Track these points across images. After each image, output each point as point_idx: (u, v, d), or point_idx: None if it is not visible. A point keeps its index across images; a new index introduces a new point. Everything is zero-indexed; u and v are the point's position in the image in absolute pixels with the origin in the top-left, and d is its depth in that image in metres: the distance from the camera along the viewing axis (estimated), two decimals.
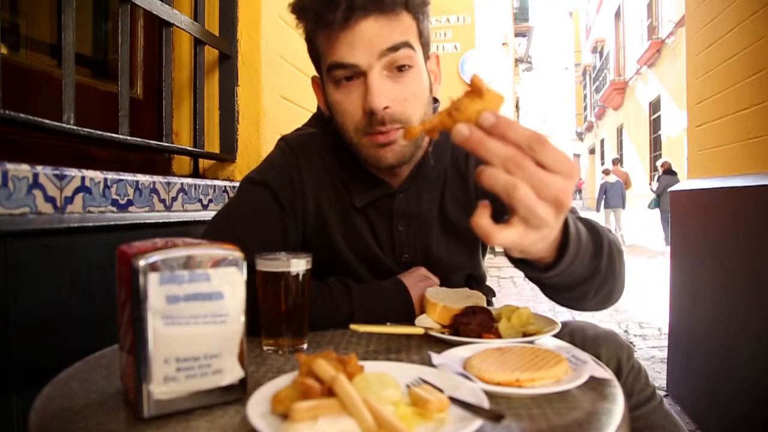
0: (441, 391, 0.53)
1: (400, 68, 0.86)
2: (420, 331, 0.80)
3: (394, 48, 0.84)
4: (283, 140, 1.05)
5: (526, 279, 0.77)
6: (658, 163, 9.86)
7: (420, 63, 0.89)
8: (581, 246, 0.66)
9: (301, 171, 0.99)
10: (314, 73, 0.98)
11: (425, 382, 0.57)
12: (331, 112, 0.93)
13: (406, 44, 0.85)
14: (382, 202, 0.99)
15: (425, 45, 0.91)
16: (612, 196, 11.17)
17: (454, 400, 0.51)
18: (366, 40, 0.83)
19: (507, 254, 0.64)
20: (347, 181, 0.99)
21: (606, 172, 11.85)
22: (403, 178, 0.99)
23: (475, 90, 0.53)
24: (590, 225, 0.73)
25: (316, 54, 0.91)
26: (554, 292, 0.78)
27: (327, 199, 1.00)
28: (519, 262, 0.68)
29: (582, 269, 0.69)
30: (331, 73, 0.87)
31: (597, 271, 0.71)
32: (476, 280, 1.10)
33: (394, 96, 0.86)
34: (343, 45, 0.84)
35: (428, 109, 0.92)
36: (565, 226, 0.61)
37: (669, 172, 9.31)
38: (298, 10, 0.88)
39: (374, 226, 1.00)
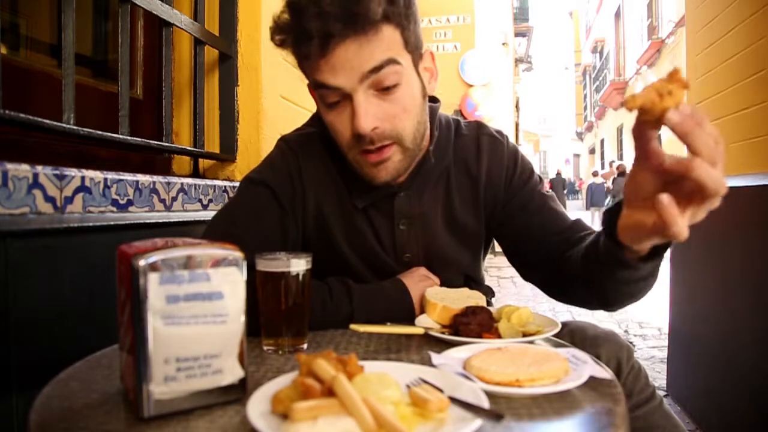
0: (441, 391, 0.53)
1: (387, 88, 0.84)
2: (420, 331, 0.80)
3: (377, 69, 0.82)
4: (283, 140, 1.05)
5: (609, 275, 0.78)
6: (614, 166, 11.03)
7: (408, 75, 0.86)
8: None
9: (301, 171, 0.99)
10: None
11: (425, 382, 0.57)
12: None
13: (390, 61, 0.82)
14: (383, 201, 0.99)
15: (414, 51, 0.88)
16: (596, 195, 12.60)
17: (454, 400, 0.51)
18: (347, 64, 0.81)
19: (607, 255, 0.73)
20: (348, 182, 0.99)
21: (595, 174, 13.13)
22: (404, 178, 0.99)
23: (677, 79, 0.55)
24: None
25: (303, 71, 0.90)
26: (625, 284, 0.79)
27: (327, 199, 1.00)
28: (614, 262, 0.73)
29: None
30: (318, 91, 0.87)
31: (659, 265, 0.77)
32: (475, 282, 1.10)
33: (383, 114, 0.84)
34: (325, 71, 0.82)
35: (422, 116, 0.91)
36: None
37: (623, 174, 10.71)
38: (277, 41, 0.86)
39: (375, 225, 1.00)
